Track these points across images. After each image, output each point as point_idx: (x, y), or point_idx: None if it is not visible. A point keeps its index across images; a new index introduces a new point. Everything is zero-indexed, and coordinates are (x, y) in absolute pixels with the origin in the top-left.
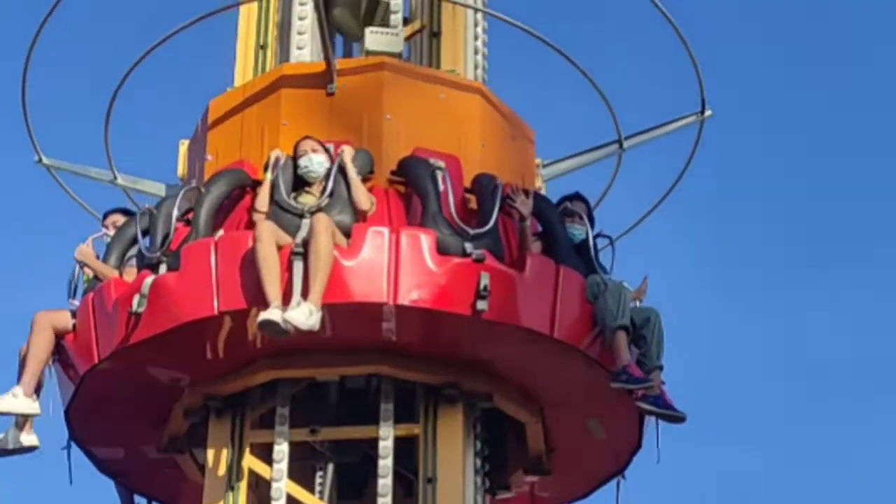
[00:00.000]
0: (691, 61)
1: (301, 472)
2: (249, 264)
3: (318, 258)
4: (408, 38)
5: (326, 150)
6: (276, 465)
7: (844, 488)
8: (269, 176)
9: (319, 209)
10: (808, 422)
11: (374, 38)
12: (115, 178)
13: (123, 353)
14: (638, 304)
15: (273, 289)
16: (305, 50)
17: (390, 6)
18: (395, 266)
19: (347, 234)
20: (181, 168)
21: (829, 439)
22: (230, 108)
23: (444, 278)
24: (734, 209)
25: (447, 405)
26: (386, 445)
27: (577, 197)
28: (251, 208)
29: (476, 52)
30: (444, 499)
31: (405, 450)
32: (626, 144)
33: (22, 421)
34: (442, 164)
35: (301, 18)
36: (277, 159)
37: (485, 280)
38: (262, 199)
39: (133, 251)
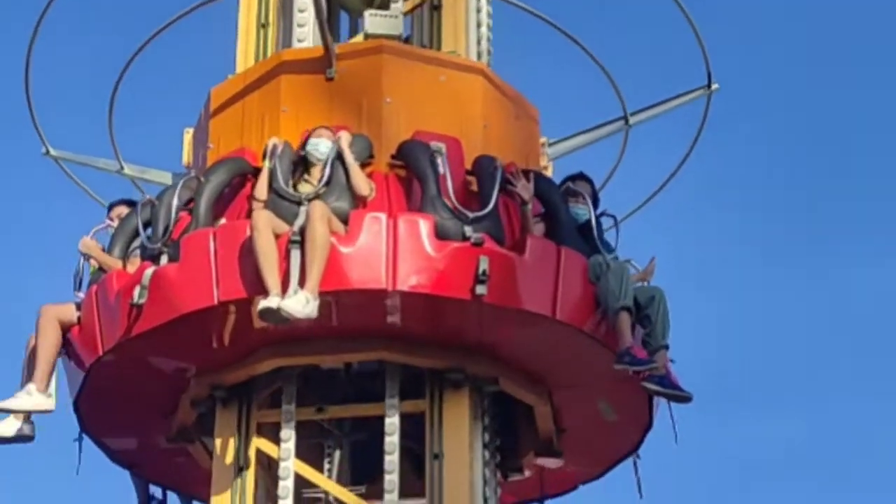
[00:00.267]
0: (695, 35)
1: (312, 451)
2: (248, 253)
3: (314, 246)
4: (409, 13)
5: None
6: (283, 445)
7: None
8: (266, 164)
9: (317, 196)
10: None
11: (374, 21)
12: (122, 168)
13: (127, 345)
14: (645, 284)
15: (272, 277)
16: (306, 28)
17: None
18: (394, 252)
19: (345, 221)
20: (186, 156)
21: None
22: (231, 96)
23: (443, 263)
24: (745, 182)
25: (453, 389)
26: (392, 422)
27: (580, 177)
28: (250, 197)
29: (479, 31)
30: (451, 474)
31: (417, 426)
32: (631, 120)
33: (25, 415)
34: (442, 146)
35: (301, 5)
36: (275, 147)
37: (484, 264)
38: (261, 188)
39: (137, 242)
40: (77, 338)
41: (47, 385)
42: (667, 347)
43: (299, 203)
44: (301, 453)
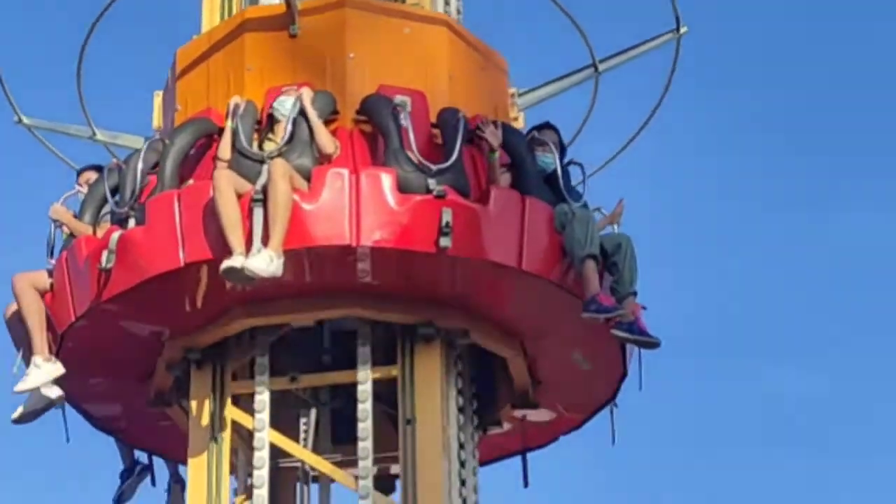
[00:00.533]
0: None
1: (288, 421)
2: (213, 214)
3: (275, 204)
4: None
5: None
6: (257, 415)
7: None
8: (229, 124)
9: (280, 154)
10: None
11: None
12: (94, 134)
13: (98, 310)
14: (615, 228)
15: (235, 237)
16: None
17: None
18: (356, 207)
19: (308, 178)
20: (156, 120)
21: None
22: (197, 56)
23: (407, 217)
24: (719, 123)
25: (424, 344)
26: (364, 389)
27: (546, 126)
28: (215, 157)
29: None
30: (424, 439)
31: (395, 391)
32: (601, 67)
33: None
34: (406, 100)
35: None
36: (237, 106)
37: (447, 216)
38: (224, 148)
39: (108, 208)
40: (50, 304)
41: (49, 350)
42: (635, 294)
43: (262, 162)
44: (277, 422)
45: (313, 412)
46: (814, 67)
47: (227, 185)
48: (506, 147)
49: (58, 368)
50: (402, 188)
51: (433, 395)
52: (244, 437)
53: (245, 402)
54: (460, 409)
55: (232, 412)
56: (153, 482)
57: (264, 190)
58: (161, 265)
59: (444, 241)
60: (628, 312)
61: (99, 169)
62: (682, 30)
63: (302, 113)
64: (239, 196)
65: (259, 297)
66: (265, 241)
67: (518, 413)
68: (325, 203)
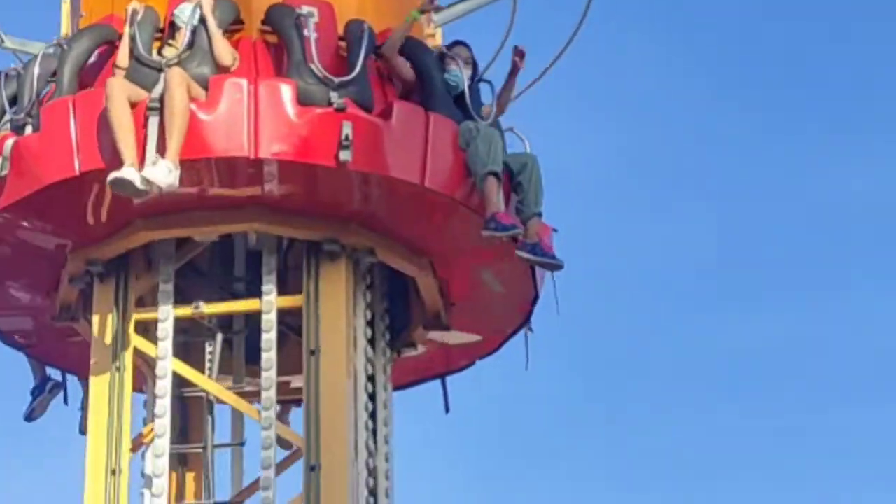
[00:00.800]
0: None
1: (194, 349)
2: (106, 122)
3: (172, 114)
4: None
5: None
6: (160, 343)
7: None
8: (126, 30)
9: (179, 62)
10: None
11: None
12: (2, 41)
13: None
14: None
15: (126, 147)
16: None
17: None
18: (255, 118)
19: (207, 88)
20: (64, 28)
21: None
22: None
23: (306, 129)
24: (655, 38)
25: (330, 263)
26: (269, 319)
27: (457, 43)
28: (114, 64)
29: None
30: (328, 370)
31: None
32: None
33: None
34: (313, 10)
35: None
36: (135, 12)
37: (346, 129)
38: (122, 55)
39: (8, 116)
40: None
41: None
42: (539, 215)
43: (160, 70)
44: (182, 351)
45: (219, 340)
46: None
47: (118, 93)
48: (413, 62)
49: None
50: (304, 100)
51: (338, 319)
52: (152, 364)
53: (151, 330)
54: (370, 340)
55: (136, 340)
56: (66, 400)
57: (161, 99)
58: (56, 173)
59: (345, 155)
60: (533, 233)
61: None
62: None
63: (202, 21)
64: (135, 104)
65: (160, 210)
66: (161, 151)
67: (432, 335)
68: (222, 113)
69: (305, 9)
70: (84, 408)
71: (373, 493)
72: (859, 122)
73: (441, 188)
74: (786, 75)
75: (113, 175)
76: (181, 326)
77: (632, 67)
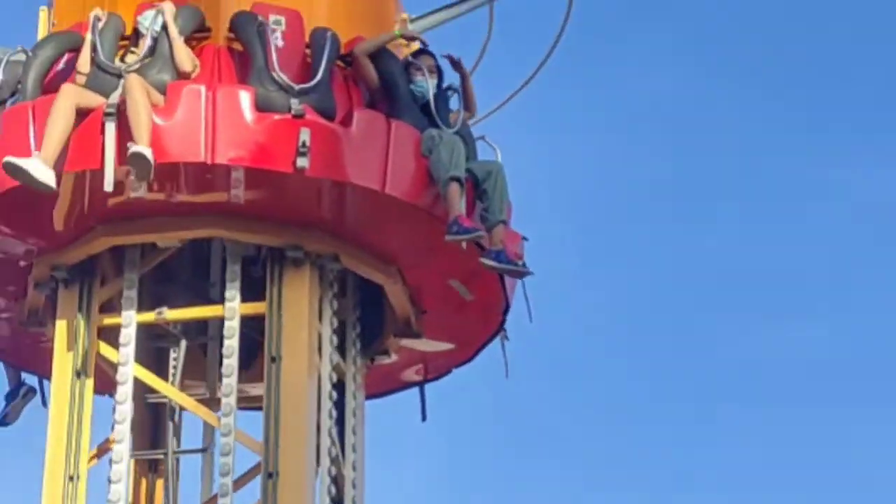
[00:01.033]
0: None
1: (158, 355)
2: None
3: (136, 110)
4: None
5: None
6: (122, 349)
7: None
8: (88, 37)
9: (139, 69)
10: None
11: None
12: None
13: None
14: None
15: (48, 142)
16: None
17: None
18: (213, 124)
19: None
20: (41, 37)
21: None
22: None
23: (264, 135)
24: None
25: (294, 270)
26: (231, 325)
27: (422, 52)
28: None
29: None
30: (288, 376)
31: None
32: None
33: None
34: (279, 18)
35: None
36: (96, 19)
37: (304, 136)
38: (83, 61)
39: None
40: None
41: None
42: (504, 223)
43: (119, 76)
44: (145, 357)
45: (183, 345)
46: None
47: (65, 97)
48: (379, 70)
49: None
50: (263, 107)
51: (301, 325)
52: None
53: (114, 335)
54: (338, 347)
55: (99, 345)
56: (44, 403)
57: (118, 105)
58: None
59: (302, 162)
60: (498, 241)
61: None
62: None
63: (164, 28)
64: (91, 110)
65: (123, 215)
66: (122, 156)
67: (405, 342)
68: (179, 119)
69: (273, 17)
70: None
71: (336, 501)
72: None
73: (402, 195)
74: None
75: (10, 159)
76: (153, 332)
77: (626, 69)
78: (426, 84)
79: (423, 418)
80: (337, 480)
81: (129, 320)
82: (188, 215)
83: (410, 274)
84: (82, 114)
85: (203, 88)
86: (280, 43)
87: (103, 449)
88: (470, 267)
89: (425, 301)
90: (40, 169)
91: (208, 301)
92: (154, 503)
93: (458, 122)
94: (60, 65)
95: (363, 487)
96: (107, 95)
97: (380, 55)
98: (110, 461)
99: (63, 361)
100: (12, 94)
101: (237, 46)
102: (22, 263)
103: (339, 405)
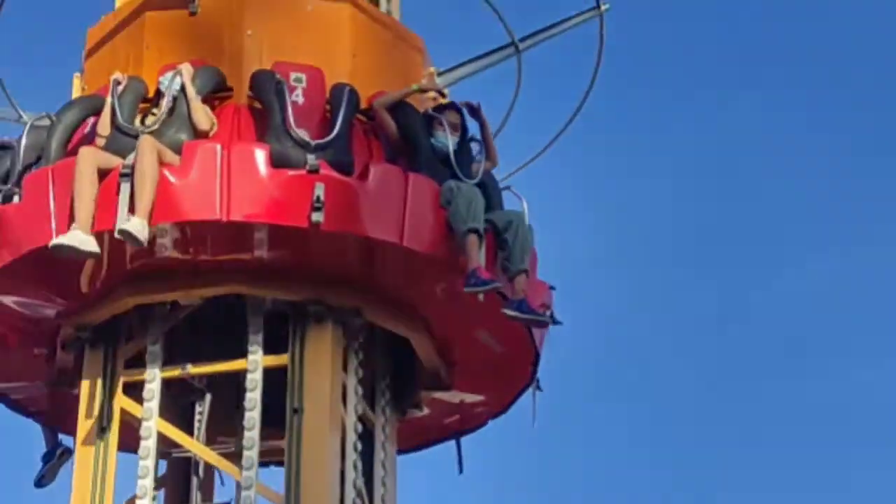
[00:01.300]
0: None
1: (182, 409)
2: None
3: (141, 176)
4: None
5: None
6: (146, 404)
7: None
8: (108, 100)
9: (157, 129)
10: None
11: None
12: (21, 116)
13: None
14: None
15: (80, 212)
16: None
17: None
18: (227, 181)
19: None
20: None
21: None
22: (103, 36)
23: (279, 191)
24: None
25: (316, 325)
26: (253, 378)
27: (448, 107)
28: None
29: None
30: (310, 428)
31: None
32: (521, 46)
33: None
34: (300, 76)
35: None
36: (116, 82)
37: (318, 190)
38: (103, 123)
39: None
40: None
41: None
42: (526, 272)
43: (137, 137)
44: (169, 412)
45: (208, 399)
46: (740, 33)
47: (84, 162)
48: (399, 123)
49: None
50: (279, 163)
51: (323, 377)
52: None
53: (137, 391)
54: (366, 398)
55: (122, 401)
56: None
57: (132, 166)
58: (34, 241)
59: (317, 216)
60: (520, 290)
61: (3, 147)
62: (603, 7)
63: (182, 88)
64: (108, 171)
65: (145, 275)
66: (132, 212)
67: (435, 395)
68: (195, 177)
69: (293, 74)
70: None
71: None
72: None
73: (421, 247)
74: None
75: (54, 241)
76: (181, 387)
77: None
78: (446, 140)
79: (461, 470)
80: None
81: (154, 376)
82: (208, 272)
83: (437, 326)
84: (101, 175)
85: (218, 146)
86: (300, 100)
87: None
88: (497, 318)
89: (454, 353)
90: (83, 240)
91: (242, 354)
92: None
93: (479, 173)
94: (86, 128)
95: None
96: (124, 157)
97: (399, 108)
98: None
99: (87, 420)
100: (38, 160)
101: (258, 105)
102: (51, 325)
103: (368, 457)
